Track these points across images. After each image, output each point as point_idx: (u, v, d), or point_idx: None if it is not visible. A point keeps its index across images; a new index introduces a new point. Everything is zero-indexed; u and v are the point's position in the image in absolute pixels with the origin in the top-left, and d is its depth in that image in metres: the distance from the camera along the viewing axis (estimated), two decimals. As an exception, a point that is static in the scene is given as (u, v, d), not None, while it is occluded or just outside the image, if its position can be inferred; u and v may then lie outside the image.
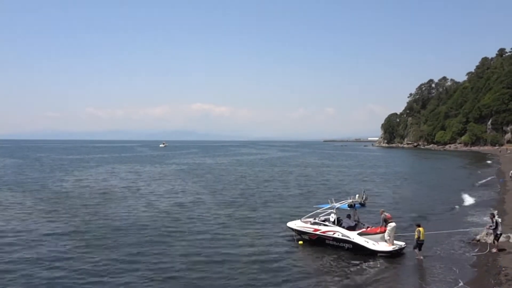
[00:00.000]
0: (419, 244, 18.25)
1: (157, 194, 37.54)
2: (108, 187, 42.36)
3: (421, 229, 18.36)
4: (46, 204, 32.00)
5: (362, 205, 21.08)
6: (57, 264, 17.27)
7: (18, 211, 28.88)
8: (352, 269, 17.17)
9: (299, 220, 21.89)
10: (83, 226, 24.24)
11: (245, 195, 37.44)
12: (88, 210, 29.17)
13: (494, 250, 18.68)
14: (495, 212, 24.39)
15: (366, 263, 17.79)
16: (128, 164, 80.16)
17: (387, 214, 20.18)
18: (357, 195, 21.16)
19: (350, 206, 20.70)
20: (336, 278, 16.10)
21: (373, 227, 20.04)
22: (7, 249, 19.30)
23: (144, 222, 25.45)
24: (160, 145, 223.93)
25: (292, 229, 21.73)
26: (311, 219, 21.38)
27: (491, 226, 19.17)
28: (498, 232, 18.99)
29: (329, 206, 21.07)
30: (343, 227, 19.87)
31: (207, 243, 20.60)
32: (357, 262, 17.90)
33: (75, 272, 16.25)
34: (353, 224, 20.32)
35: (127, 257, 18.27)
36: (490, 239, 19.38)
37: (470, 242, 20.57)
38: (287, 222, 22.77)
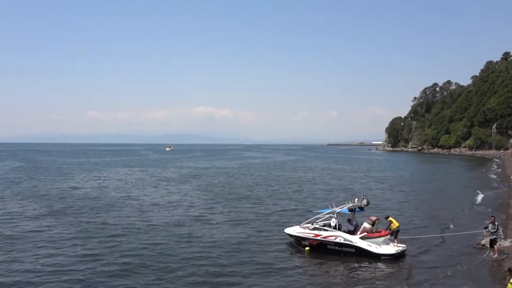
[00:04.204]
0: (395, 232, 19.64)
1: (165, 199, 37.64)
2: (123, 192, 42.35)
3: (391, 219, 20.04)
4: (63, 210, 32.10)
5: (361, 208, 21.05)
6: (69, 269, 17.23)
7: (27, 217, 29.03)
8: (356, 273, 17.13)
9: (298, 226, 21.63)
10: (99, 230, 24.38)
11: (254, 200, 37.10)
12: (104, 216, 29.35)
13: (492, 254, 18.65)
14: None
15: (370, 267, 17.75)
16: (139, 168, 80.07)
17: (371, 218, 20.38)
18: (356, 199, 21.08)
19: (351, 210, 20.67)
20: (340, 282, 16.05)
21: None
22: (19, 255, 19.23)
23: (152, 225, 25.59)
24: (166, 149, 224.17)
25: (291, 236, 21.34)
26: (310, 225, 21.09)
27: (489, 230, 19.07)
28: (496, 237, 18.96)
29: (330, 211, 20.86)
30: (343, 232, 19.80)
31: (209, 247, 20.50)
32: (361, 265, 17.86)
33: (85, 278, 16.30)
34: (352, 228, 20.30)
35: (132, 259, 18.31)
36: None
37: (475, 247, 20.46)
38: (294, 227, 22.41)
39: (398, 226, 19.86)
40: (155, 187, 46.57)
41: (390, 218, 20.19)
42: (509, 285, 13.17)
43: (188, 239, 22.04)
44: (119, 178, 57.49)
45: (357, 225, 20.73)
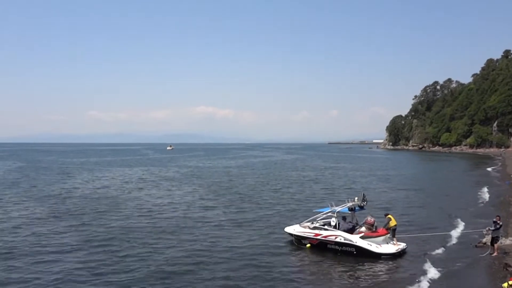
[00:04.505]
0: (393, 231, 19.64)
1: (167, 200, 37.71)
2: (125, 192, 42.34)
3: (390, 216, 20.02)
4: (68, 211, 32.16)
5: (362, 207, 21.06)
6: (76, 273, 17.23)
7: (27, 219, 29.15)
8: (356, 273, 17.13)
9: (298, 225, 21.63)
10: (107, 230, 24.44)
11: (255, 199, 37.07)
12: (105, 218, 29.47)
13: (493, 252, 18.66)
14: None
15: (370, 266, 17.75)
16: (141, 167, 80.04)
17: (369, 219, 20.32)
18: (356, 198, 21.11)
19: (351, 209, 20.69)
20: (341, 282, 16.08)
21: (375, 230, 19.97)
22: (18, 261, 18.97)
23: (153, 227, 25.71)
24: (168, 148, 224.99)
25: (291, 235, 21.36)
26: (310, 224, 21.09)
27: (490, 228, 19.11)
28: (497, 235, 18.98)
29: (330, 210, 20.86)
30: (342, 230, 19.81)
31: (211, 250, 20.46)
32: (361, 265, 17.86)
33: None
34: (351, 226, 20.35)
35: (134, 264, 18.45)
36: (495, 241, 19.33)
37: (476, 245, 20.48)
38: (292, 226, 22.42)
39: (396, 224, 19.86)
40: (157, 187, 46.63)
41: (389, 216, 20.19)
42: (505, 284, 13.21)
43: (190, 241, 22.01)
44: (121, 177, 57.50)
45: (357, 223, 20.77)
